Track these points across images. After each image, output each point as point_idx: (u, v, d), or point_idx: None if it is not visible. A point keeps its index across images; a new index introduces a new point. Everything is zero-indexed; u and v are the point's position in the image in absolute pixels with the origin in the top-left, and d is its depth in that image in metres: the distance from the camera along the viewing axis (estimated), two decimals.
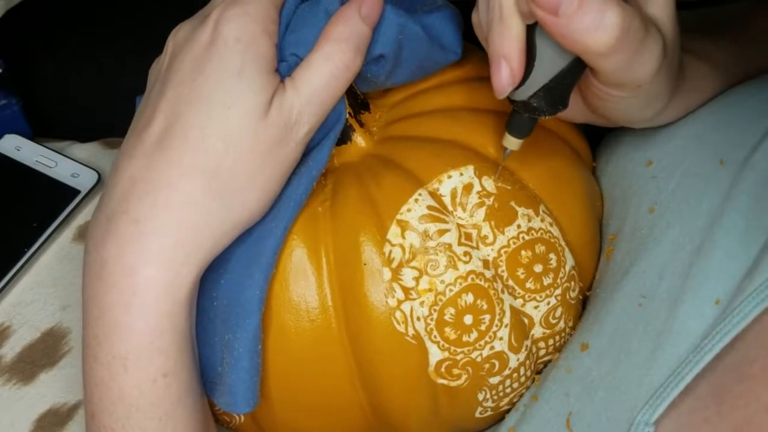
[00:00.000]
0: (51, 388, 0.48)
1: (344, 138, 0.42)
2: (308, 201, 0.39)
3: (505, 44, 0.33)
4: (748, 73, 0.42)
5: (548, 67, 0.34)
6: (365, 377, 0.39)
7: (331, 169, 0.41)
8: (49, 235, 0.52)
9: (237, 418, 0.42)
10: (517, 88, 0.34)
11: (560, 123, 0.44)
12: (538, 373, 0.42)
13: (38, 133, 0.57)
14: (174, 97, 0.35)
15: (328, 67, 0.36)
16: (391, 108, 0.44)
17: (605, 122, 0.40)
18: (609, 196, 0.45)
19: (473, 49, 0.45)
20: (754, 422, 0.31)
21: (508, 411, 0.42)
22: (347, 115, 0.41)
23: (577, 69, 0.34)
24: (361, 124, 0.42)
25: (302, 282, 0.38)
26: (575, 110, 0.39)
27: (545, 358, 0.42)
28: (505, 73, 0.34)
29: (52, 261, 0.52)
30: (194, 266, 0.34)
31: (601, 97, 0.36)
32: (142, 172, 0.35)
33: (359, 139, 0.42)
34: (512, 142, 0.37)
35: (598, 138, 0.48)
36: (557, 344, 0.41)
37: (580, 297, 0.42)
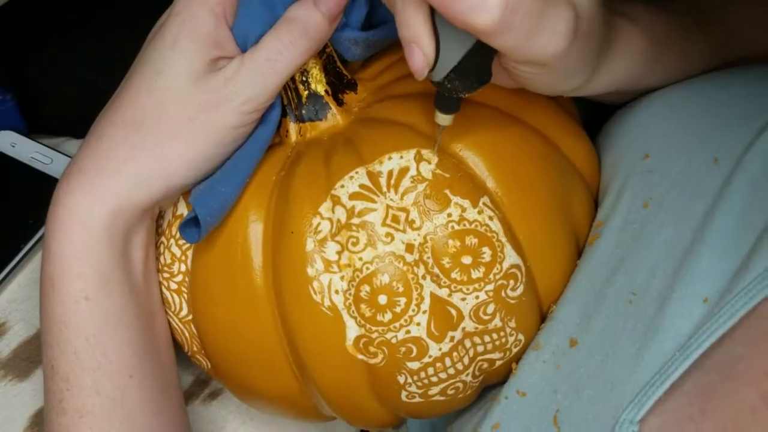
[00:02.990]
0: None
1: (319, 115, 0.43)
2: (268, 170, 0.42)
3: (412, 29, 0.33)
4: (696, 58, 0.41)
5: (455, 48, 0.34)
6: (290, 341, 0.40)
7: (301, 143, 0.43)
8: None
9: (205, 363, 0.45)
10: (432, 69, 0.35)
11: (552, 120, 0.43)
12: (513, 362, 0.41)
13: (33, 130, 0.58)
14: (132, 66, 0.40)
15: (274, 42, 0.38)
16: (377, 89, 0.45)
17: (534, 90, 0.39)
18: (604, 187, 0.44)
19: None
20: (737, 422, 0.31)
21: (446, 401, 0.42)
22: (324, 94, 0.43)
23: (485, 48, 0.34)
24: (341, 104, 0.44)
25: (242, 247, 0.40)
26: (503, 79, 0.38)
27: (487, 356, 0.41)
28: (418, 57, 0.34)
29: None
30: (107, 204, 0.38)
31: (514, 73, 0.36)
32: (92, 127, 0.40)
33: (336, 118, 0.43)
34: (442, 119, 0.38)
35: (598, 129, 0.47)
36: (496, 342, 0.40)
37: (527, 297, 0.40)
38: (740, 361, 0.32)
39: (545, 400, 0.39)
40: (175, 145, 0.38)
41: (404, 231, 0.38)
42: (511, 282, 0.39)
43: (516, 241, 0.39)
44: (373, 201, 0.38)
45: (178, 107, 0.38)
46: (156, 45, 0.39)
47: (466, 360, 0.40)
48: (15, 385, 0.49)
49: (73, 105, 0.59)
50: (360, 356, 0.39)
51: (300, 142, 0.43)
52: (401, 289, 0.38)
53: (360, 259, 0.38)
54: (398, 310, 0.38)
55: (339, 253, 0.38)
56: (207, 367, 0.46)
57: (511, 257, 0.39)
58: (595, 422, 0.36)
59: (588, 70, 0.36)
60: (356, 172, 0.39)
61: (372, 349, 0.39)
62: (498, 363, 0.41)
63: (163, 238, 0.44)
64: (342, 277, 0.38)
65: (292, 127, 0.43)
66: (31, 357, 0.50)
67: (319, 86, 0.43)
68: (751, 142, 0.37)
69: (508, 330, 0.40)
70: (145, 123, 0.38)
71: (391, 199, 0.39)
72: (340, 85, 0.44)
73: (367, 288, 0.38)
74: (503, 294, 0.39)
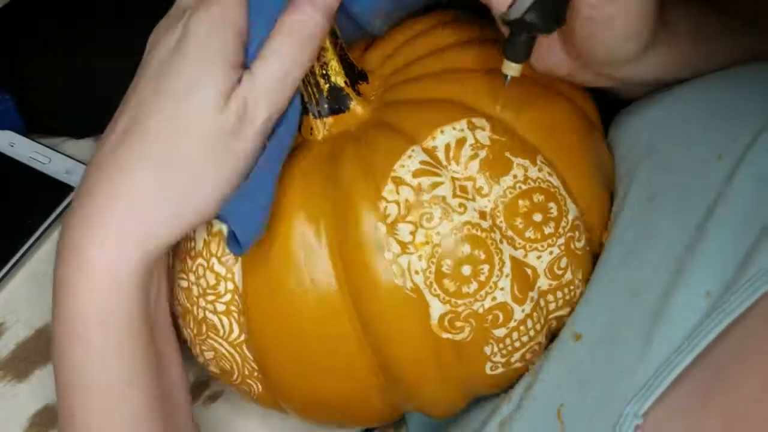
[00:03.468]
0: (45, 386, 0.48)
1: (341, 107, 0.42)
2: (308, 171, 0.40)
3: None
4: (741, 51, 0.42)
5: None
6: (371, 337, 0.39)
7: (329, 138, 0.42)
8: (43, 232, 0.52)
9: (255, 387, 0.43)
10: (510, 6, 0.35)
11: (571, 88, 0.44)
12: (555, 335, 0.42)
13: (32, 129, 0.57)
14: (141, 91, 0.37)
15: (278, 60, 0.37)
16: (388, 77, 0.44)
17: (591, 70, 0.40)
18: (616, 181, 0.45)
19: (456, 14, 0.47)
20: (739, 411, 0.31)
21: (521, 368, 0.42)
22: (344, 85, 0.42)
23: None
24: (359, 94, 0.43)
25: (302, 252, 0.39)
26: (561, 62, 0.39)
27: (556, 313, 0.41)
28: None
29: (46, 258, 0.52)
30: (141, 252, 0.36)
31: (588, 17, 0.36)
32: (105, 161, 0.37)
33: (357, 108, 0.43)
34: (511, 68, 0.37)
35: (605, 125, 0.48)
36: (566, 297, 0.41)
37: (587, 248, 0.41)
38: (743, 351, 0.32)
39: (549, 395, 0.39)
40: (206, 182, 0.36)
41: (474, 199, 0.38)
42: (576, 233, 0.40)
43: (572, 195, 0.40)
44: (438, 174, 0.38)
45: (204, 139, 0.36)
46: (177, 70, 0.36)
47: (542, 320, 0.40)
48: (14, 386, 0.49)
49: (72, 105, 0.56)
50: (445, 335, 0.38)
51: (327, 137, 0.42)
52: (483, 257, 0.38)
53: (438, 234, 0.37)
54: (483, 278, 0.38)
55: (413, 233, 0.38)
56: (257, 391, 0.43)
57: (572, 210, 0.40)
58: (598, 416, 0.36)
59: (645, 34, 0.37)
60: (412, 151, 0.38)
61: (459, 324, 0.38)
62: (564, 320, 0.42)
63: (200, 260, 0.41)
64: (420, 257, 0.37)
65: (317, 124, 0.42)
66: (29, 357, 0.50)
67: (339, 78, 0.42)
68: (754, 137, 0.38)
69: (576, 283, 0.41)
70: (174, 161, 0.36)
71: (455, 171, 0.38)
72: (353, 76, 0.43)
73: (449, 261, 0.37)
74: (572, 246, 0.40)
